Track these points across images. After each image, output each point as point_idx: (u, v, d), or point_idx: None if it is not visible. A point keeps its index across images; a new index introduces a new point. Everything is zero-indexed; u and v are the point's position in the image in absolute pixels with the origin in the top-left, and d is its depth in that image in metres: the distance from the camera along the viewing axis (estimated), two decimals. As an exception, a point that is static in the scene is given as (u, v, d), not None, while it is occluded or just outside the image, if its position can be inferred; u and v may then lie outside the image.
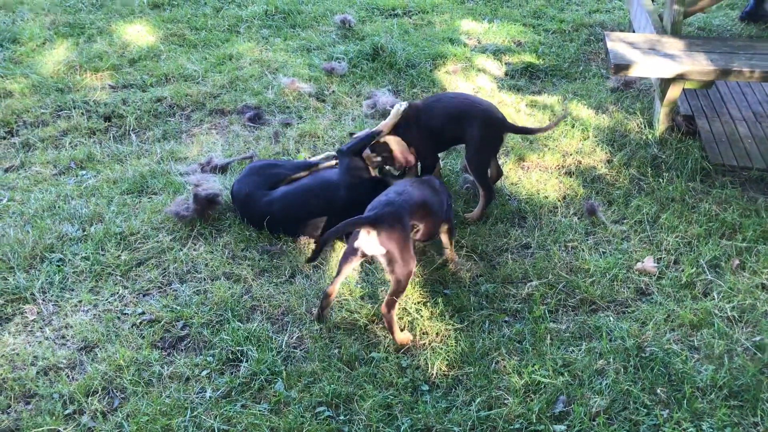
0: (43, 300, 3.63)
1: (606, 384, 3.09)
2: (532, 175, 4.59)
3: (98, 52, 6.34)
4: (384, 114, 5.33)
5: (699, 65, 4.53)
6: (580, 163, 4.72)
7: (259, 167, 4.29)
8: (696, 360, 3.21)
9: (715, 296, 3.59)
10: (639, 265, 3.80)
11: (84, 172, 4.75)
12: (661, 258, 3.87)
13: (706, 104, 5.36)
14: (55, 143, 5.12)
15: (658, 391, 3.05)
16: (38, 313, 3.55)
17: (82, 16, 7.14)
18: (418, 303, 3.56)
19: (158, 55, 6.40)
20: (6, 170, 4.80)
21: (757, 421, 2.91)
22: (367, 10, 7.48)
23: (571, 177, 4.59)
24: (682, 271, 3.76)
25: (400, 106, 4.18)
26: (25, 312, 3.55)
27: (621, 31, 6.76)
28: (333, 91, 5.75)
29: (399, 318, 3.47)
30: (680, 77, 4.56)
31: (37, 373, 3.19)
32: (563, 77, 6.11)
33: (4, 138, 5.18)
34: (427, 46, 6.49)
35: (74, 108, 5.49)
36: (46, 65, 6.08)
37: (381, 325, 3.44)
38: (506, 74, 6.14)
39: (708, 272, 3.75)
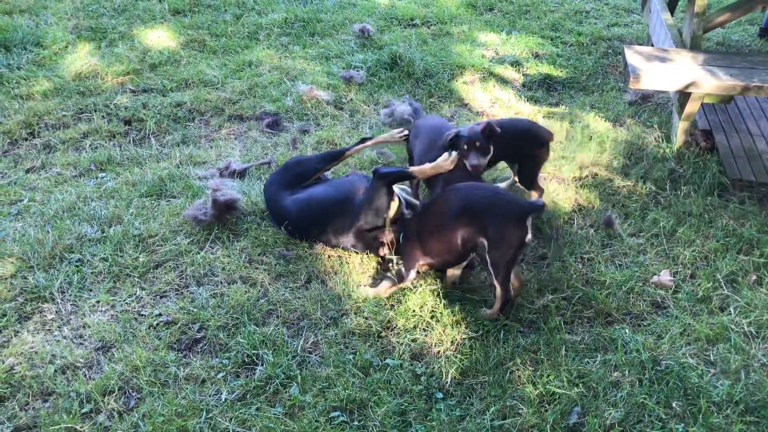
0: (62, 299, 3.66)
1: (621, 396, 3.08)
2: (548, 186, 4.58)
3: (119, 56, 6.42)
4: (401, 123, 5.36)
5: (719, 80, 4.52)
6: (597, 175, 4.72)
7: (288, 165, 4.33)
8: (712, 375, 3.19)
9: (732, 311, 3.57)
10: (655, 278, 3.79)
11: (104, 174, 4.80)
12: (677, 272, 3.86)
13: (725, 119, 5.34)
14: (75, 145, 5.18)
15: (674, 404, 3.04)
16: (57, 312, 3.59)
17: (104, 20, 7.23)
18: (433, 311, 3.56)
19: (178, 60, 6.47)
20: (27, 171, 4.86)
21: (773, 437, 2.89)
22: (386, 19, 7.52)
23: (587, 189, 4.58)
24: (699, 285, 3.74)
25: (450, 155, 3.84)
26: (44, 311, 3.59)
27: (640, 44, 6.76)
28: (351, 99, 5.78)
29: (414, 326, 3.48)
30: (699, 92, 4.56)
31: (55, 371, 3.22)
32: (581, 89, 6.12)
33: (26, 139, 5.24)
34: (445, 56, 6.52)
35: (95, 111, 5.55)
36: (68, 68, 6.15)
37: (395, 332, 3.45)
38: (524, 85, 6.15)
39: (725, 287, 3.73)
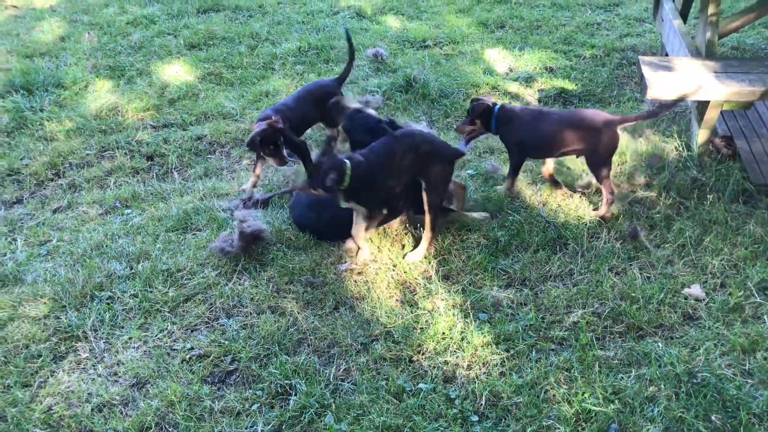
0: (95, 337, 3.70)
1: (658, 411, 3.04)
2: (571, 201, 4.58)
3: (139, 92, 6.53)
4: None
5: (736, 87, 4.50)
6: (619, 187, 4.70)
7: None
8: (751, 385, 3.15)
9: (766, 319, 3.53)
10: (686, 290, 3.75)
11: (129, 210, 4.87)
12: (706, 281, 3.83)
13: (745, 124, 5.31)
14: (100, 183, 5.26)
15: (713, 417, 3.00)
16: (90, 350, 3.63)
17: (121, 58, 7.36)
18: (463, 332, 3.56)
19: (196, 94, 6.57)
20: (54, 211, 4.94)
21: (817, 447, 2.84)
22: (399, 42, 7.59)
23: (610, 202, 4.57)
24: (730, 294, 3.71)
25: None
26: (78, 350, 3.63)
27: (653, 54, 6.76)
28: (368, 124, 5.81)
29: (445, 348, 3.48)
30: (718, 100, 4.54)
31: (92, 410, 3.26)
32: (597, 101, 6.11)
33: (52, 180, 5.34)
34: (459, 75, 6.56)
35: (117, 148, 5.64)
36: (89, 107, 6.27)
37: (426, 356, 3.45)
38: (539, 101, 6.17)
39: (757, 295, 3.69)
